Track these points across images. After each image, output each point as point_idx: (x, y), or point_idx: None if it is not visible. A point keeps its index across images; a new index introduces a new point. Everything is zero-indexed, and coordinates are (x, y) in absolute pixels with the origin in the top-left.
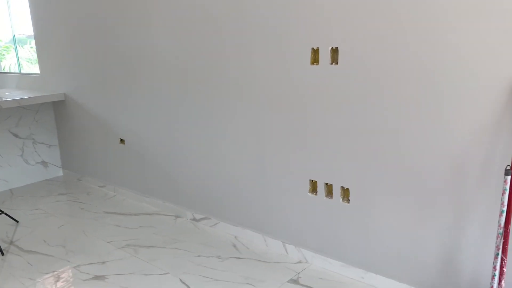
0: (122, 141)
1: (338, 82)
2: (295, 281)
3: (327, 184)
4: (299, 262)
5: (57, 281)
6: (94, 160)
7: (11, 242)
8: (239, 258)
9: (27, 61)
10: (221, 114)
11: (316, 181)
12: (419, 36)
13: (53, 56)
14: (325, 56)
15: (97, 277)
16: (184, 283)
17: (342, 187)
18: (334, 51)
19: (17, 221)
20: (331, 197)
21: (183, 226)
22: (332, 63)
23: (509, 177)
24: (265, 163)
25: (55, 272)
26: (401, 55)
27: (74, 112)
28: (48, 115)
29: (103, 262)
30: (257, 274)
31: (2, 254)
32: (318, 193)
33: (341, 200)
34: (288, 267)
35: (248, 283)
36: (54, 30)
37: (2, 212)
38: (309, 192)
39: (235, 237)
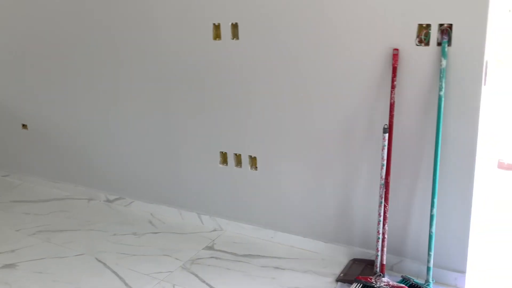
0: (24, 126)
1: (239, 56)
2: (210, 248)
3: (236, 154)
4: (214, 230)
5: None
6: None
7: None
8: (156, 232)
9: None
10: (127, 91)
11: (226, 153)
12: (310, 9)
13: None
14: (226, 31)
15: (7, 266)
16: (100, 261)
17: (250, 156)
18: (234, 27)
19: None
20: (241, 166)
21: (97, 208)
22: (233, 38)
23: (386, 135)
24: (175, 139)
25: None
26: (293, 30)
27: None
28: None
29: (13, 251)
30: (173, 245)
31: None
32: (228, 163)
33: (249, 168)
34: (204, 236)
35: (165, 254)
36: None
37: None
38: (220, 163)
39: (151, 214)
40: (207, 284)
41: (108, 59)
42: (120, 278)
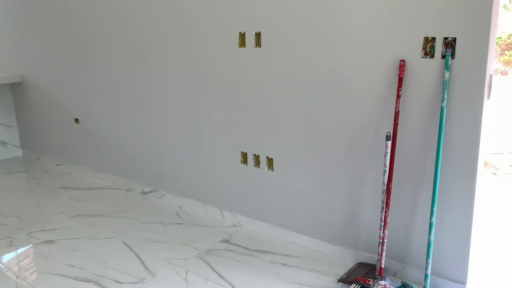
0: (76, 120)
1: (261, 63)
2: (226, 241)
3: (255, 155)
4: (233, 225)
5: (9, 245)
6: (51, 140)
7: None
8: (180, 223)
9: None
10: (162, 94)
11: (246, 153)
12: (323, 22)
13: (8, 41)
14: (250, 40)
15: (47, 242)
16: (126, 244)
17: (267, 157)
18: (258, 36)
19: None
20: (259, 166)
21: (132, 198)
22: (256, 46)
23: (389, 142)
24: (203, 139)
25: (8, 239)
26: (309, 41)
27: (31, 93)
28: (6, 97)
29: (54, 230)
30: (194, 236)
31: None
32: (248, 163)
33: (267, 169)
34: (223, 230)
35: (184, 243)
36: (7, 18)
37: None
38: (240, 162)
39: (179, 206)
40: (216, 272)
41: (147, 61)
42: (141, 260)
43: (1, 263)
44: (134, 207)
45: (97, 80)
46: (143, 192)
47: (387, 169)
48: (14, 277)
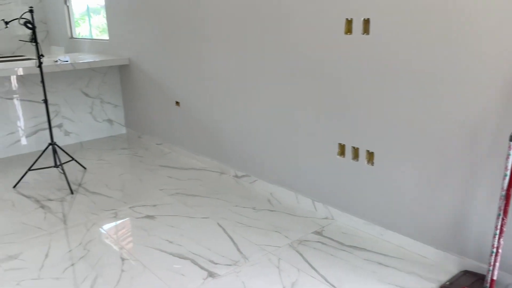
0: (177, 103)
1: (368, 51)
2: (318, 233)
3: (354, 147)
4: (326, 218)
5: (115, 217)
6: (153, 120)
7: (80, 184)
8: (272, 210)
9: (97, 28)
10: (259, 81)
11: (344, 145)
12: (438, 12)
13: (120, 24)
14: (357, 26)
15: (148, 217)
16: (220, 226)
17: (368, 151)
18: (366, 22)
19: (85, 168)
20: (357, 159)
21: (226, 181)
22: (364, 33)
23: None
24: (297, 127)
25: (114, 210)
26: (423, 29)
27: (136, 75)
28: (115, 78)
29: (154, 205)
30: (285, 224)
31: (72, 192)
32: (345, 155)
33: (366, 162)
34: (315, 222)
35: (276, 231)
36: (122, 2)
37: (73, 159)
38: (337, 154)
39: (271, 193)
40: (309, 264)
41: (247, 48)
42: (234, 243)
43: (107, 233)
44: (228, 190)
45: (197, 65)
46: (236, 176)
47: (508, 172)
48: (117, 248)
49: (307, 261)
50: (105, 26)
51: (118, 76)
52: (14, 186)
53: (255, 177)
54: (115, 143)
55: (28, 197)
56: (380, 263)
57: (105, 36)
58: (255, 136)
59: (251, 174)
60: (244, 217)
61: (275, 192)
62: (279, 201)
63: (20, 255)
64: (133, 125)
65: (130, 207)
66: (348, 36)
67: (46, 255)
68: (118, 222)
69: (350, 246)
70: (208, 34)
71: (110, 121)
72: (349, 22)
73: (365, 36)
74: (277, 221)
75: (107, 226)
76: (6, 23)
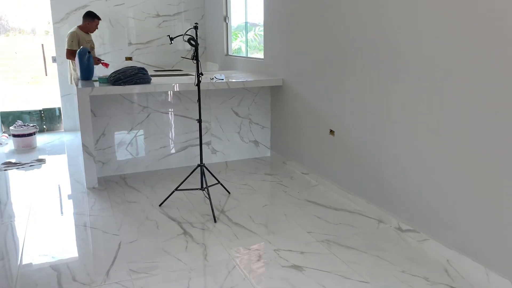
0: (331, 132)
1: None
2: None
3: None
4: None
5: (258, 260)
6: (301, 147)
7: (222, 211)
8: (451, 287)
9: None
10: (432, 112)
11: None
12: None
13: (276, 43)
14: None
15: (295, 267)
16: None
17: None
18: None
19: (229, 193)
20: None
21: (386, 233)
22: None
23: None
24: (499, 173)
25: (258, 251)
26: None
27: (288, 97)
28: (265, 98)
29: (302, 253)
30: None
31: (215, 221)
32: None
33: None
34: None
35: None
36: (281, 21)
37: (219, 182)
38: None
39: (447, 260)
40: None
41: (408, 75)
42: None
43: (249, 280)
44: (389, 246)
45: (356, 93)
46: (399, 229)
47: None
48: None
49: None
50: (254, 42)
51: (269, 97)
52: (160, 205)
53: (425, 235)
54: (259, 166)
55: (172, 219)
56: None
57: (258, 54)
58: (426, 181)
59: (420, 229)
60: None
61: (454, 260)
62: (460, 273)
63: None
64: (279, 149)
65: (275, 250)
66: None
67: None
68: (262, 268)
69: None
70: (365, 62)
71: (256, 142)
72: None
73: None
74: None
75: (249, 271)
76: (171, 39)
